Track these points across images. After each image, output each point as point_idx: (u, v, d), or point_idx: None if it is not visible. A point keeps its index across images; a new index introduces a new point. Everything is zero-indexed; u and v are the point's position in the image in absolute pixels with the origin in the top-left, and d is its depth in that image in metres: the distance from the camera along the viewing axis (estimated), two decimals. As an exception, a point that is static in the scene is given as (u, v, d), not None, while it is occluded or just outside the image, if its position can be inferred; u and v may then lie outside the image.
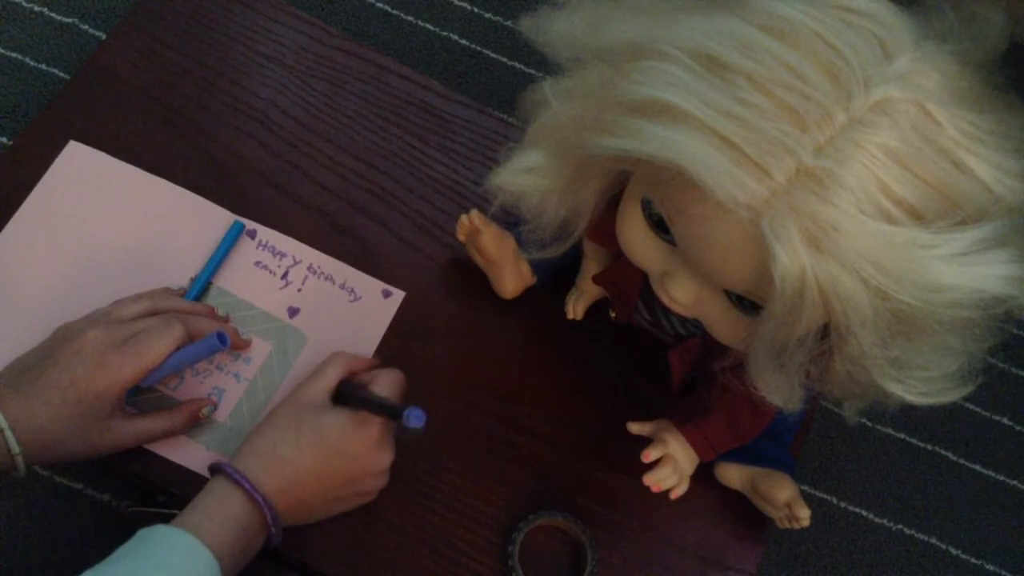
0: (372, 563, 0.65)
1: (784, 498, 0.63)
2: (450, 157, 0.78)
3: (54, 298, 0.68)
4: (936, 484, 1.04)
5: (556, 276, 0.72)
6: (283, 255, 0.72)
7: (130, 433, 0.61)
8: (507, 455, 0.69)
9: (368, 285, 0.73)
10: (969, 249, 0.39)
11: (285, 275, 0.72)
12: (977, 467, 1.05)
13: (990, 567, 1.01)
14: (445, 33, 1.16)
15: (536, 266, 0.70)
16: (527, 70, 1.15)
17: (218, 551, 0.53)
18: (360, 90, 0.79)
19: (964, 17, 0.44)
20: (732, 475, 0.67)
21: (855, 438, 1.05)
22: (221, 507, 0.56)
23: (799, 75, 0.39)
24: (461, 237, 0.67)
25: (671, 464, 0.62)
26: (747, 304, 0.47)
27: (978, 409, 1.07)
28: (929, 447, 1.05)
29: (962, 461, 1.05)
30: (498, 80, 1.14)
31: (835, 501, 1.02)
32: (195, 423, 0.65)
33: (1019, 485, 1.05)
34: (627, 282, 0.62)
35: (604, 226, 0.55)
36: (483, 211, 0.65)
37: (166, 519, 0.55)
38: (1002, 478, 1.05)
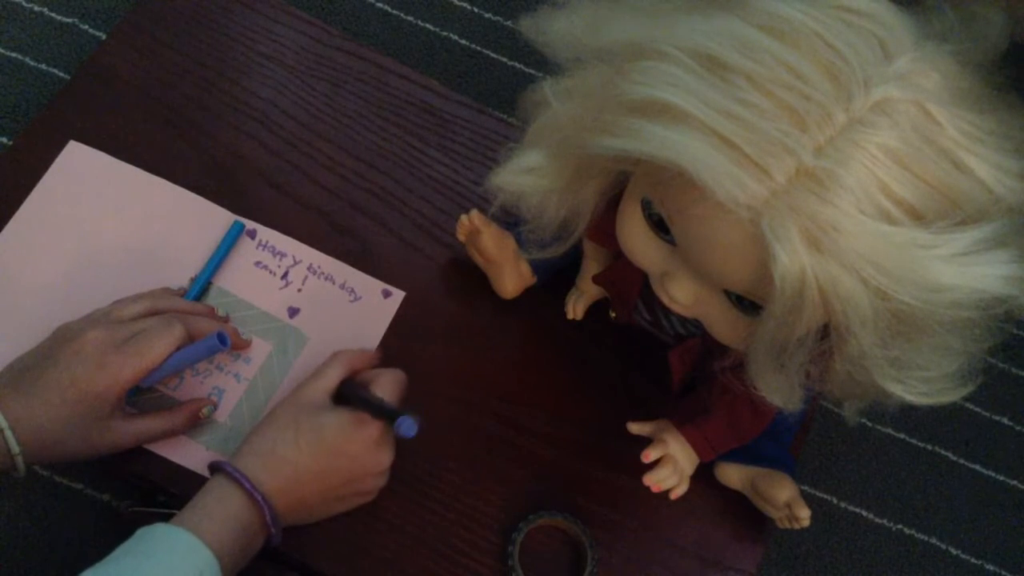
0: (372, 563, 0.65)
1: (784, 498, 0.63)
2: (450, 157, 0.78)
3: (54, 298, 0.68)
4: (936, 484, 1.04)
5: (556, 276, 0.72)
6: (283, 255, 0.72)
7: (130, 433, 0.61)
8: (507, 455, 0.69)
9: (368, 285, 0.73)
10: (969, 249, 0.39)
11: (285, 275, 0.72)
12: (977, 467, 1.05)
13: (990, 567, 1.01)
14: (445, 33, 1.16)
15: (536, 266, 0.70)
16: (527, 70, 1.15)
17: (218, 550, 0.53)
18: (360, 90, 0.79)
19: (964, 17, 0.44)
20: (732, 475, 0.67)
21: (855, 438, 1.05)
22: (221, 506, 0.56)
23: (799, 75, 0.39)
24: (461, 237, 0.67)
25: (671, 464, 0.62)
26: (747, 304, 0.47)
27: (978, 409, 1.07)
28: (929, 447, 1.05)
29: (962, 461, 1.05)
30: (498, 80, 1.14)
31: (835, 501, 1.02)
32: (195, 423, 0.65)
33: (1019, 485, 1.05)
34: (627, 282, 0.62)
35: (604, 226, 0.55)
36: (483, 211, 0.65)
37: (166, 519, 0.55)
38: (1002, 478, 1.05)
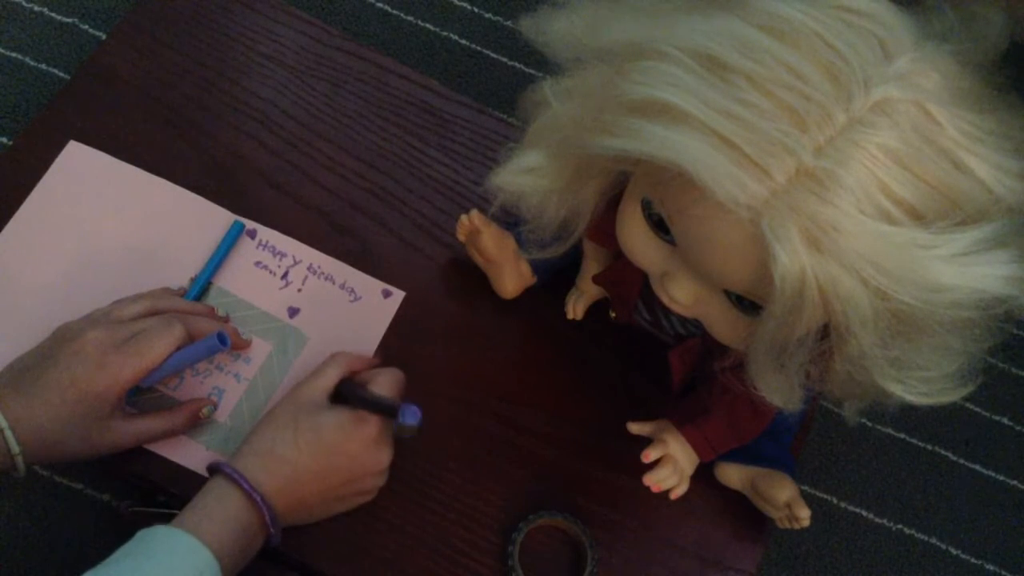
0: (372, 563, 0.65)
1: (784, 498, 0.63)
2: (450, 157, 0.78)
3: (54, 298, 0.68)
4: (936, 484, 1.04)
5: (556, 276, 0.72)
6: (283, 255, 0.72)
7: (130, 433, 0.61)
8: (507, 455, 0.69)
9: (368, 285, 0.73)
10: (969, 249, 0.39)
11: (285, 275, 0.72)
12: (977, 467, 1.05)
13: (990, 567, 1.01)
14: (445, 33, 1.16)
15: (536, 266, 0.70)
16: (527, 70, 1.15)
17: (218, 551, 0.53)
18: (360, 90, 0.79)
19: (964, 17, 0.44)
20: (732, 475, 0.67)
21: (855, 438, 1.05)
22: (220, 507, 0.56)
23: (799, 75, 0.39)
24: (461, 237, 0.67)
25: (671, 464, 0.62)
26: (747, 304, 0.47)
27: (978, 409, 1.07)
28: (929, 447, 1.05)
29: (962, 461, 1.05)
30: (498, 80, 1.14)
31: (835, 501, 1.02)
32: (195, 423, 0.65)
33: (1019, 485, 1.05)
34: (627, 282, 0.62)
35: (604, 226, 0.55)
36: (483, 211, 0.65)
37: (166, 519, 0.55)
38: (1002, 478, 1.05)
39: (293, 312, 0.71)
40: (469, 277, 0.72)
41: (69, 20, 1.08)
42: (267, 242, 0.72)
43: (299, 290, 0.71)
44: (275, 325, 0.70)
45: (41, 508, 0.89)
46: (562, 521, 0.66)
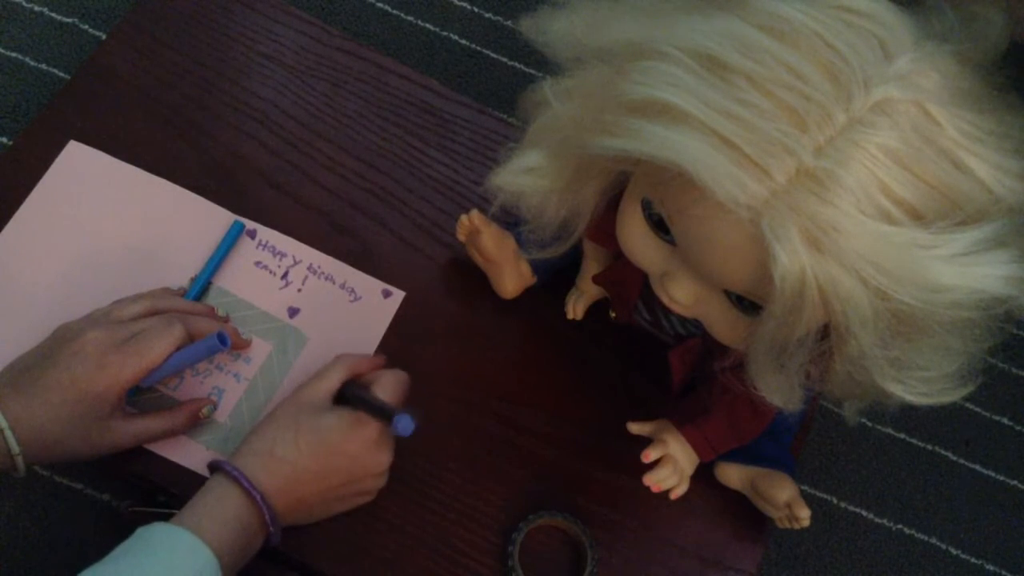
0: (372, 563, 0.65)
1: (784, 498, 0.63)
2: (450, 157, 0.78)
3: (54, 298, 0.68)
4: (936, 484, 1.04)
5: (556, 276, 0.72)
6: (283, 255, 0.72)
7: (130, 433, 0.61)
8: (507, 455, 0.69)
9: (368, 285, 0.73)
10: (969, 249, 0.39)
11: (285, 275, 0.72)
12: (977, 467, 1.05)
13: (990, 567, 1.01)
14: (445, 33, 1.16)
15: (536, 266, 0.70)
16: (527, 70, 1.15)
17: (218, 549, 0.53)
18: (360, 90, 0.79)
19: (964, 17, 0.44)
20: (732, 475, 0.67)
21: (855, 438, 1.05)
22: (220, 506, 0.56)
23: (799, 75, 0.39)
24: (461, 237, 0.67)
25: (671, 464, 0.62)
26: (747, 304, 0.47)
27: (978, 409, 1.07)
28: (929, 447, 1.05)
29: (962, 461, 1.05)
30: (498, 80, 1.14)
31: (835, 501, 1.02)
32: (195, 423, 0.65)
33: (1019, 485, 1.05)
34: (627, 282, 0.62)
35: (604, 226, 0.55)
36: (483, 211, 0.65)
37: (166, 519, 0.55)
38: (1002, 478, 1.05)
39: (293, 312, 0.71)
40: (469, 277, 0.72)
41: (69, 20, 1.08)
42: (267, 242, 0.72)
43: (299, 290, 0.71)
44: (275, 325, 0.70)
45: (41, 508, 0.89)
46: (562, 521, 0.66)
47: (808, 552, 0.99)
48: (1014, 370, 1.10)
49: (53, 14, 1.08)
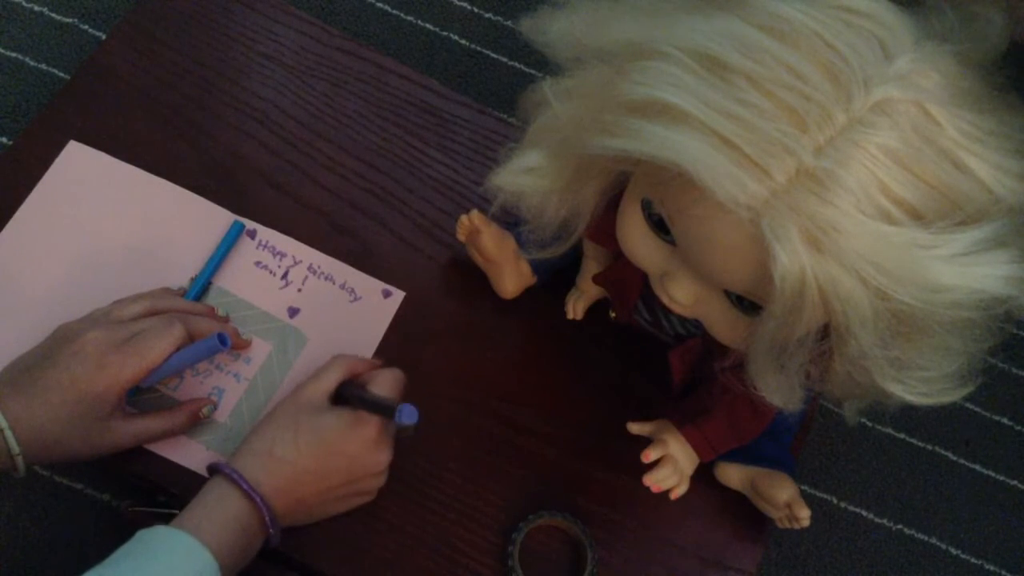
0: (372, 563, 0.65)
1: (784, 498, 0.63)
2: (450, 157, 0.78)
3: (54, 298, 0.68)
4: (936, 484, 1.04)
5: (556, 276, 0.72)
6: (283, 255, 0.72)
7: (130, 433, 0.61)
8: (507, 455, 0.69)
9: (368, 285, 0.73)
10: (969, 249, 0.39)
11: (285, 275, 0.72)
12: (977, 467, 1.05)
13: (990, 567, 1.01)
14: (445, 33, 1.16)
15: (536, 266, 0.70)
16: (527, 70, 1.15)
17: (217, 551, 0.53)
18: (360, 90, 0.79)
19: (964, 17, 0.44)
20: (732, 475, 0.67)
21: (855, 438, 1.05)
22: (220, 507, 0.56)
23: (799, 75, 0.39)
24: (461, 237, 0.67)
25: (671, 464, 0.62)
26: (747, 304, 0.47)
27: (978, 409, 1.07)
28: (929, 447, 1.05)
29: (962, 461, 1.05)
30: (498, 80, 1.14)
31: (835, 501, 1.02)
32: (195, 423, 0.65)
33: (1019, 485, 1.05)
34: (627, 282, 0.62)
35: (604, 226, 0.55)
36: (483, 211, 0.65)
37: (166, 519, 0.55)
38: (1002, 478, 1.05)
39: (293, 312, 0.71)
40: (469, 277, 0.72)
41: (69, 20, 1.08)
42: (267, 242, 0.72)
43: (299, 290, 0.71)
44: (275, 325, 0.70)
45: (41, 508, 0.89)
46: (562, 521, 0.66)
47: (808, 552, 0.99)
48: (1014, 370, 1.10)
49: (53, 14, 1.08)
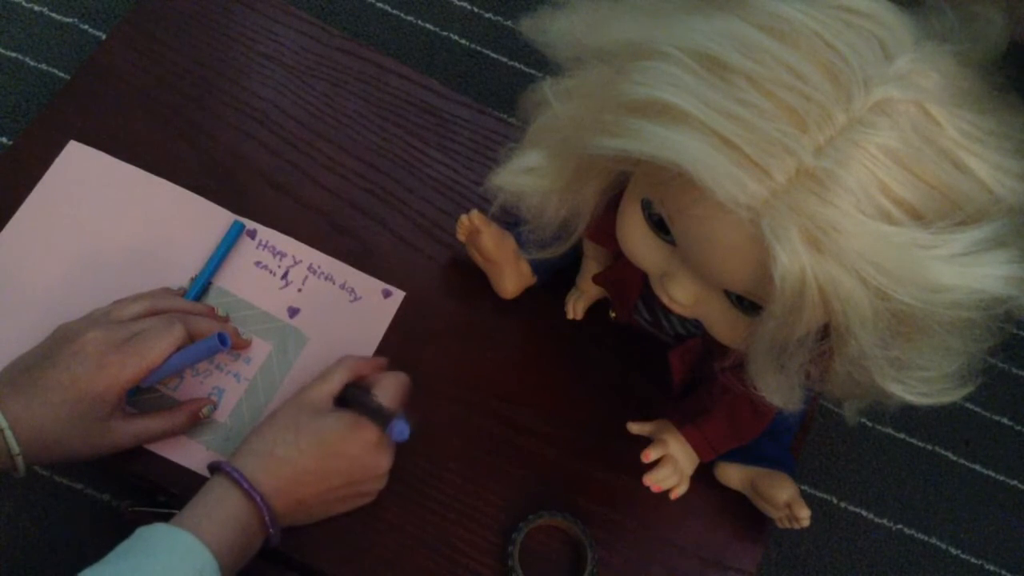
0: (372, 563, 0.65)
1: (784, 498, 0.63)
2: (450, 157, 0.78)
3: (54, 298, 0.68)
4: (936, 484, 1.04)
5: (556, 276, 0.72)
6: (283, 255, 0.72)
7: (130, 433, 0.61)
8: (507, 455, 0.69)
9: (368, 285, 0.73)
10: (969, 249, 0.39)
11: (285, 275, 0.72)
12: (977, 467, 1.05)
13: (990, 567, 1.01)
14: (445, 33, 1.16)
15: (536, 266, 0.70)
16: (527, 70, 1.15)
17: (217, 550, 0.53)
18: (360, 90, 0.79)
19: (964, 17, 0.44)
20: (732, 475, 0.67)
21: (855, 438, 1.05)
22: (220, 506, 0.56)
23: (799, 75, 0.39)
24: (461, 237, 0.67)
25: (671, 464, 0.62)
26: (747, 304, 0.47)
27: (978, 409, 1.07)
28: (929, 447, 1.05)
29: (962, 461, 1.05)
30: (498, 80, 1.14)
31: (835, 501, 1.02)
32: (195, 423, 0.65)
33: (1019, 485, 1.05)
34: (627, 282, 0.62)
35: (604, 226, 0.55)
36: (483, 211, 0.65)
37: (166, 519, 0.55)
38: (1002, 478, 1.05)
39: (293, 312, 0.71)
40: (469, 277, 0.72)
41: (69, 20, 1.08)
42: (267, 242, 0.72)
43: (299, 290, 0.71)
44: (275, 325, 0.70)
45: (41, 508, 0.89)
46: (562, 521, 0.66)
47: (808, 552, 0.99)
48: (1014, 370, 1.10)
49: (53, 14, 1.08)
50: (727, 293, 0.47)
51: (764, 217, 0.38)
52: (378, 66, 0.81)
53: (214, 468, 0.59)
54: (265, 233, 0.73)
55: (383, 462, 0.62)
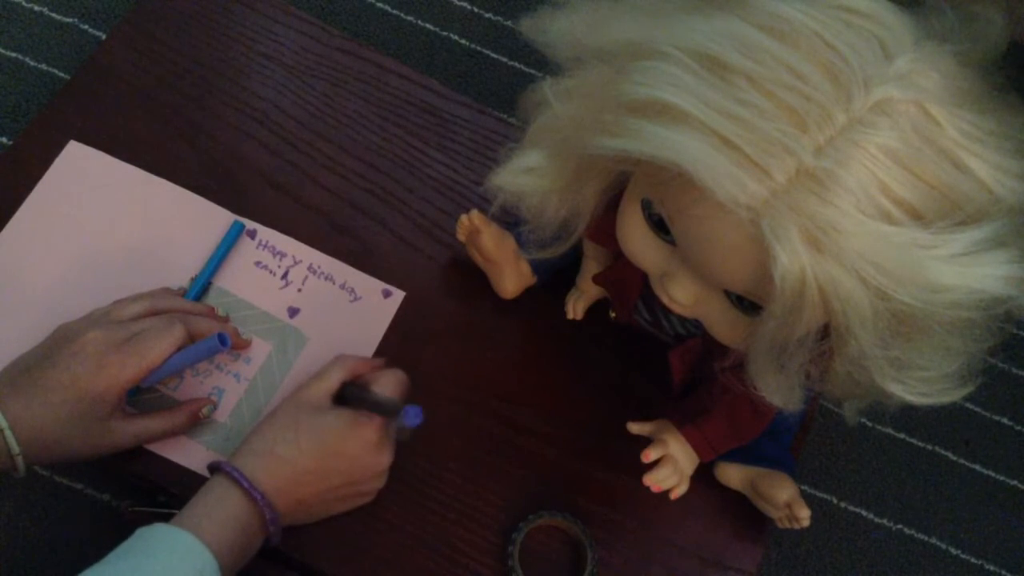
0: (372, 563, 0.65)
1: (784, 498, 0.63)
2: (450, 157, 0.78)
3: (54, 298, 0.68)
4: (936, 484, 1.04)
5: (556, 276, 0.72)
6: (283, 255, 0.72)
7: (130, 433, 0.61)
8: (507, 455, 0.69)
9: (368, 285, 0.73)
10: (969, 250, 0.39)
11: (285, 275, 0.72)
12: (977, 467, 1.05)
13: (990, 567, 1.01)
14: (445, 33, 1.16)
15: (536, 266, 0.70)
16: (527, 70, 1.15)
17: (217, 550, 0.53)
18: (360, 90, 0.79)
19: (964, 17, 0.44)
20: (732, 475, 0.67)
21: (855, 438, 1.05)
22: (220, 506, 0.56)
23: (799, 75, 0.39)
24: (461, 237, 0.67)
25: (671, 464, 0.62)
26: (747, 304, 0.47)
27: (978, 409, 1.07)
28: (929, 447, 1.05)
29: (962, 461, 1.05)
30: (498, 80, 1.14)
31: (835, 501, 1.02)
32: (195, 423, 0.65)
33: (1019, 485, 1.05)
34: (627, 282, 0.62)
35: (604, 226, 0.55)
36: (483, 211, 0.65)
37: (166, 519, 0.55)
38: (1002, 478, 1.05)
39: (293, 312, 0.71)
40: (469, 277, 0.72)
41: (69, 20, 1.08)
42: (267, 242, 0.72)
43: (299, 290, 0.71)
44: (275, 325, 0.70)
45: (41, 508, 0.89)
46: (562, 521, 0.66)
47: (808, 552, 0.99)
48: (1014, 370, 1.10)
49: (53, 14, 1.08)
50: (727, 293, 0.47)
51: (764, 217, 0.38)
52: (378, 66, 0.81)
53: (214, 468, 0.59)
54: (265, 233, 0.73)
55: (383, 460, 0.62)
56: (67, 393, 0.58)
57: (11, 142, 0.88)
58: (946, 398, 0.46)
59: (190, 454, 0.65)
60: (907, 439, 1.05)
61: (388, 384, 0.63)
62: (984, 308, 0.40)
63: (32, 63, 1.06)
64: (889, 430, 1.05)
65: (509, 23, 1.17)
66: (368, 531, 0.66)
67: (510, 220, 0.67)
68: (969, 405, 1.08)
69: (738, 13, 0.41)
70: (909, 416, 1.06)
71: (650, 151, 0.40)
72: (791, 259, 0.38)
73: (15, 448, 0.56)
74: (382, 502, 0.65)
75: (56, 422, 0.57)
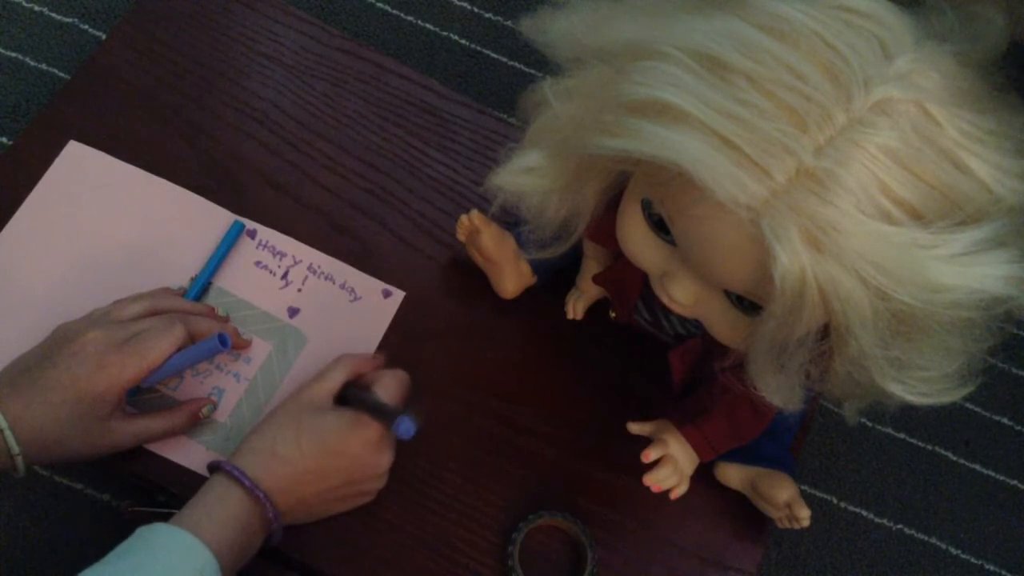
0: (372, 563, 0.65)
1: (784, 498, 0.63)
2: (450, 157, 0.78)
3: (54, 298, 0.68)
4: (936, 484, 1.04)
5: (556, 276, 0.72)
6: (283, 255, 0.72)
7: (130, 433, 0.61)
8: (507, 455, 0.69)
9: (368, 285, 0.73)
10: (969, 249, 0.39)
11: (285, 275, 0.72)
12: (977, 467, 1.05)
13: (990, 567, 1.01)
14: (445, 33, 1.16)
15: (536, 266, 0.70)
16: (527, 70, 1.15)
17: (217, 550, 0.53)
18: (360, 90, 0.79)
19: (964, 17, 0.44)
20: (732, 475, 0.67)
21: (855, 438, 1.05)
22: (221, 505, 0.56)
23: (799, 75, 0.39)
24: (461, 237, 0.67)
25: (671, 464, 0.62)
26: (747, 304, 0.47)
27: (978, 409, 1.07)
28: (929, 447, 1.05)
29: (962, 461, 1.05)
30: (498, 80, 1.14)
31: (835, 501, 1.02)
32: (195, 423, 0.65)
33: (1019, 485, 1.05)
34: (627, 282, 0.62)
35: (604, 226, 0.55)
36: (483, 211, 0.65)
37: (166, 519, 0.55)
38: (1002, 478, 1.05)
39: (293, 312, 0.71)
40: (469, 277, 0.72)
41: (69, 20, 1.08)
42: (267, 242, 0.72)
43: (299, 290, 0.71)
44: (275, 325, 0.70)
45: (41, 508, 0.89)
46: (562, 521, 0.66)
47: (808, 552, 0.99)
48: (1014, 370, 1.10)
49: (53, 14, 1.08)
50: (727, 293, 0.47)
51: (764, 217, 0.38)
52: (378, 66, 0.81)
53: (214, 468, 0.59)
54: (265, 233, 0.73)
55: (383, 460, 0.62)
56: (67, 393, 0.58)
57: (11, 142, 0.88)
58: (946, 398, 0.46)
59: (190, 454, 0.65)
60: (907, 439, 1.05)
61: (390, 385, 0.63)
62: (984, 308, 0.40)
63: (32, 63, 1.06)
64: (889, 430, 1.05)
65: (509, 23, 1.17)
66: (368, 531, 0.66)
67: (510, 220, 0.67)
68: (969, 405, 1.08)
69: (738, 13, 0.41)
70: (909, 416, 1.06)
71: (650, 151, 0.40)
72: (791, 259, 0.38)
73: (15, 448, 0.56)
74: (382, 502, 0.65)
75: (56, 422, 0.57)
